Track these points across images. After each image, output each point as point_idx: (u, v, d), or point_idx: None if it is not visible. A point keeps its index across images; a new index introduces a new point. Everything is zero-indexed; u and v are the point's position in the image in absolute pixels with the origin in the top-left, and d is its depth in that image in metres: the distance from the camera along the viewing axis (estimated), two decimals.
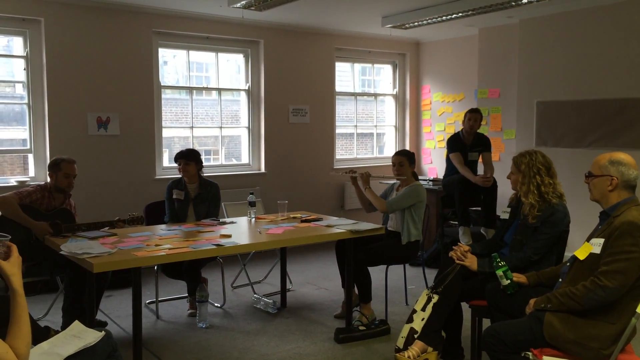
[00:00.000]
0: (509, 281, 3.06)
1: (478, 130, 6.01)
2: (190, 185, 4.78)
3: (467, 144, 5.93)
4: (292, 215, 4.82)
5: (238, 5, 5.38)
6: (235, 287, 5.42)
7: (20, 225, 4.00)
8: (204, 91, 6.97)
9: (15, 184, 5.37)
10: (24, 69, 5.53)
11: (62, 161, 4.21)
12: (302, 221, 4.59)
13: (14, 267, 1.94)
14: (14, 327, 1.90)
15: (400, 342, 3.39)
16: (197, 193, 4.77)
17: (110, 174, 5.88)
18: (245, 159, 7.03)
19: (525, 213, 3.37)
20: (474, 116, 5.88)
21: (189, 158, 4.71)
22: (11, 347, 1.84)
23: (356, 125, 8.03)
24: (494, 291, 3.16)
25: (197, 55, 6.80)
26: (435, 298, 3.36)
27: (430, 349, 3.33)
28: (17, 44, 5.62)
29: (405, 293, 5.01)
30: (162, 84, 6.31)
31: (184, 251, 3.57)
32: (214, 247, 3.69)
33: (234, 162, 7.05)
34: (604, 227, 2.66)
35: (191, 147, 5.11)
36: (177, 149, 6.24)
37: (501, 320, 2.94)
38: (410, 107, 8.27)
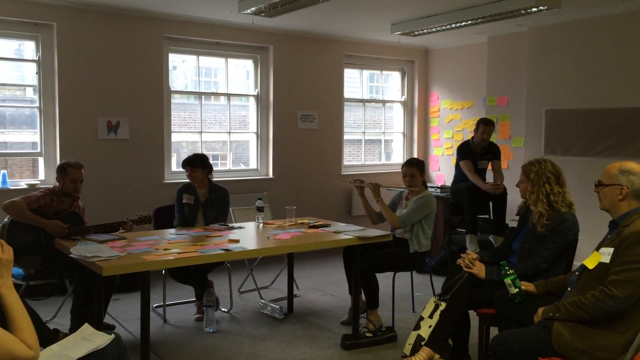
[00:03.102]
0: (517, 289, 3.06)
1: None
2: (200, 190, 4.80)
3: (477, 152, 5.93)
4: (299, 221, 4.83)
5: (248, 11, 5.41)
6: (243, 292, 5.43)
7: (31, 227, 4.03)
8: (212, 96, 7.01)
9: (25, 187, 5.40)
10: (36, 73, 5.58)
11: (69, 166, 4.22)
12: (310, 227, 4.59)
13: None
14: (12, 324, 1.93)
15: (407, 349, 3.38)
16: (207, 198, 4.79)
17: (120, 178, 5.91)
18: (253, 164, 7.05)
19: (534, 221, 3.37)
20: (488, 129, 5.81)
21: (194, 164, 4.71)
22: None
23: (364, 132, 8.04)
24: (502, 299, 3.15)
25: (207, 61, 6.83)
26: (443, 305, 3.35)
27: (437, 356, 3.32)
28: (28, 48, 5.67)
29: (412, 300, 5.00)
30: (171, 89, 6.35)
31: (192, 255, 3.59)
32: (222, 251, 3.71)
33: (242, 167, 7.07)
34: (614, 236, 2.66)
35: (198, 152, 5.12)
36: (185, 153, 6.27)
37: (509, 329, 2.93)
38: (418, 114, 8.27)
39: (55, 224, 4.04)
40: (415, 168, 4.59)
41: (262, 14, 5.52)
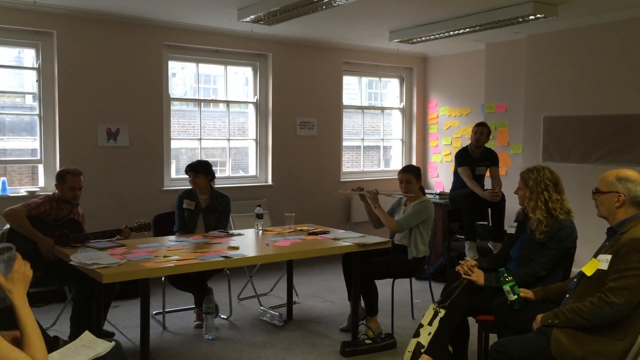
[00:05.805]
0: (516, 296, 3.07)
1: (486, 145, 6.03)
2: (202, 196, 4.81)
3: (475, 158, 5.95)
4: (299, 228, 4.84)
5: (247, 19, 5.45)
6: (242, 299, 5.43)
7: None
8: (212, 103, 7.03)
9: (25, 194, 5.41)
10: (36, 81, 5.59)
11: (68, 174, 4.22)
12: (309, 234, 4.60)
13: (10, 284, 1.96)
14: (23, 337, 1.94)
15: (407, 357, 3.39)
16: (208, 204, 4.80)
17: (119, 184, 5.92)
18: (252, 171, 7.06)
19: (532, 228, 3.38)
20: (480, 129, 5.90)
21: (197, 171, 4.73)
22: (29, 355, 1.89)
23: (363, 139, 8.06)
24: (501, 306, 3.16)
25: (206, 68, 6.86)
26: (442, 312, 3.35)
27: None
28: (28, 55, 5.69)
29: (412, 307, 5.00)
30: (171, 96, 6.37)
31: (192, 262, 3.59)
32: (222, 258, 3.71)
33: (241, 174, 7.08)
34: (611, 243, 2.67)
35: (201, 159, 5.13)
36: (185, 160, 6.29)
37: (508, 336, 2.93)
38: (417, 121, 8.30)
39: (47, 241, 4.02)
40: (411, 174, 4.62)
41: (262, 22, 5.56)
